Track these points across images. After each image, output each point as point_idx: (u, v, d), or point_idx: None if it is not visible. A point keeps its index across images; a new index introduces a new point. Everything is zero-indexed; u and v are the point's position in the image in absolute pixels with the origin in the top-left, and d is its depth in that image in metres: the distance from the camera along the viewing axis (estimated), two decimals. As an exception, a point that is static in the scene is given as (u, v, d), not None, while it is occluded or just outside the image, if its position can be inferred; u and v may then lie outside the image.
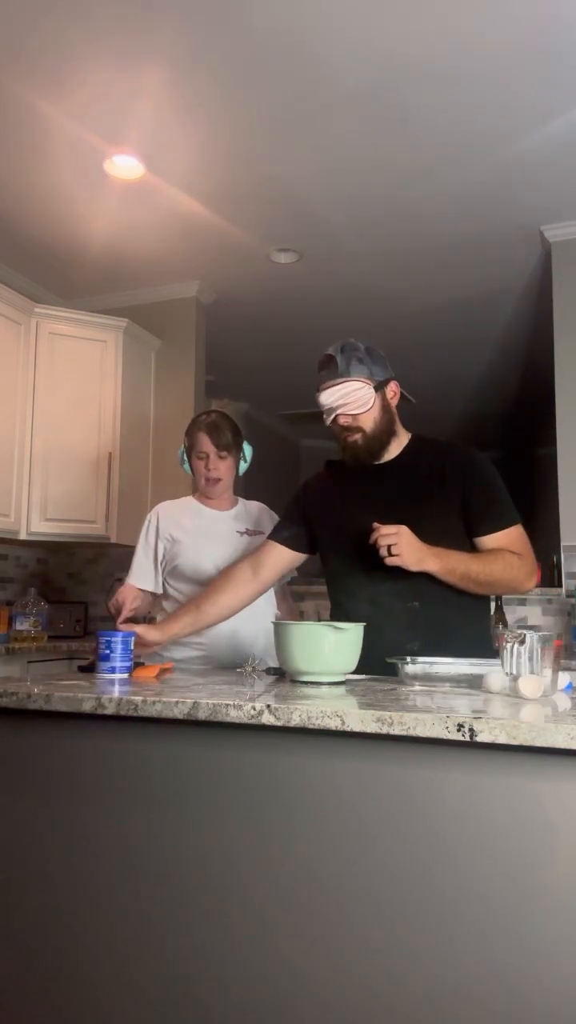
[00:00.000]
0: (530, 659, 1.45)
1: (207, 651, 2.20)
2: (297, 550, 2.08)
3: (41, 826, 1.45)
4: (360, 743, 1.25)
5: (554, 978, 1.12)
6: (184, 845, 1.34)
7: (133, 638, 1.75)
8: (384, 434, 1.95)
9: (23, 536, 3.83)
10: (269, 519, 2.41)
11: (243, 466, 2.38)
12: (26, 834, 1.46)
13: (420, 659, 1.72)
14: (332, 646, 1.63)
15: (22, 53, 2.62)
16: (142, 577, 2.31)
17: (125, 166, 3.25)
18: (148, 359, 4.49)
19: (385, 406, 1.95)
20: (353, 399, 1.91)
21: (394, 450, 2.00)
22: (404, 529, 1.78)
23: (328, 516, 2.03)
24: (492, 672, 1.54)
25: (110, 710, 1.37)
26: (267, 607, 2.31)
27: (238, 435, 2.33)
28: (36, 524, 3.85)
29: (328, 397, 1.94)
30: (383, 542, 1.77)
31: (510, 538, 1.90)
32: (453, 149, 3.12)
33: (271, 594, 2.34)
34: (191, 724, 1.36)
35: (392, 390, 1.98)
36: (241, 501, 2.43)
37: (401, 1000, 1.19)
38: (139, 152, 3.16)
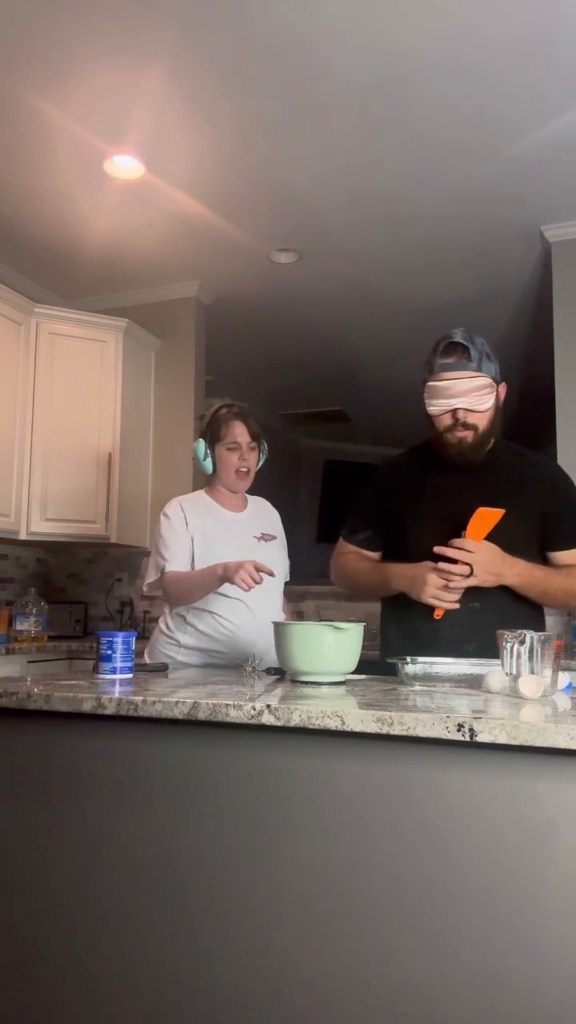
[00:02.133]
0: (530, 659, 1.45)
1: (222, 658, 2.19)
2: (374, 550, 2.06)
3: (41, 826, 1.45)
4: (360, 743, 1.25)
5: (555, 978, 1.12)
6: (184, 845, 1.34)
7: (134, 638, 1.75)
8: (491, 436, 1.92)
9: (23, 536, 3.83)
10: (276, 516, 2.41)
11: (262, 460, 2.34)
12: (26, 834, 1.46)
13: (420, 659, 1.72)
14: (332, 646, 1.63)
15: (23, 54, 2.62)
16: (185, 561, 2.18)
17: (125, 166, 3.25)
18: (148, 359, 4.49)
19: (498, 407, 1.92)
20: (480, 396, 1.84)
21: (484, 453, 1.96)
22: (483, 548, 1.76)
23: (401, 507, 1.98)
24: (492, 672, 1.54)
25: (110, 710, 1.37)
26: (280, 611, 2.30)
27: (260, 426, 2.32)
28: (36, 524, 3.85)
29: (454, 387, 1.84)
30: (464, 558, 1.75)
31: None
32: (453, 149, 3.12)
33: (282, 597, 2.34)
34: (191, 724, 1.36)
35: (501, 392, 1.93)
36: (250, 499, 2.39)
37: (401, 1000, 1.19)
38: (139, 152, 3.16)
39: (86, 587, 4.52)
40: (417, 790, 1.21)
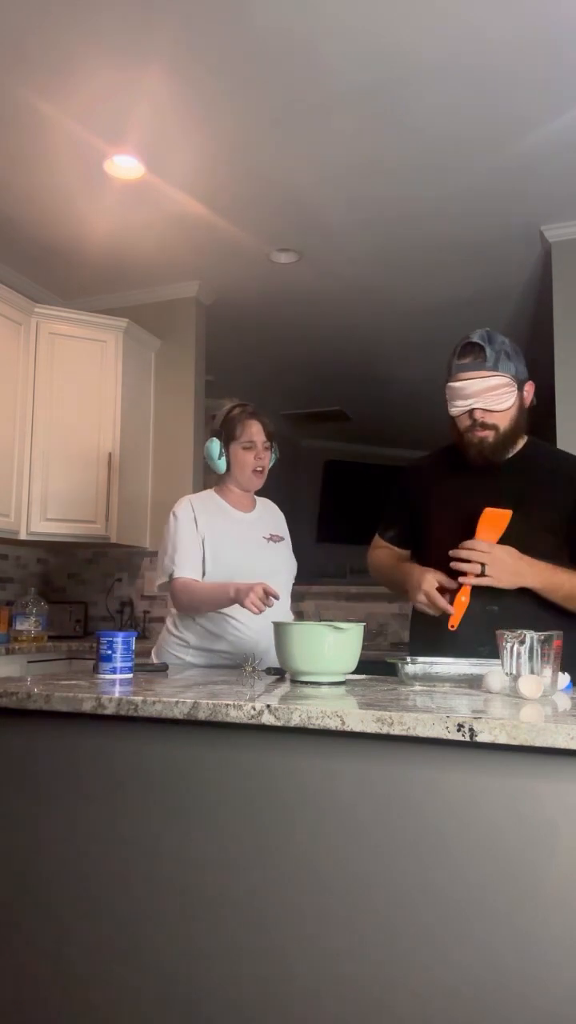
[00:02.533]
0: (530, 659, 1.45)
1: (231, 660, 2.18)
2: (404, 547, 2.06)
3: (41, 826, 1.45)
4: (360, 743, 1.25)
5: (554, 977, 1.12)
6: (184, 844, 1.34)
7: (134, 638, 1.75)
8: (514, 436, 1.89)
9: (23, 536, 3.83)
10: (282, 517, 2.43)
11: (274, 460, 2.33)
12: (26, 834, 1.46)
13: (420, 659, 1.71)
14: (332, 646, 1.63)
15: (23, 54, 2.62)
16: (196, 568, 2.17)
17: (125, 166, 3.25)
18: (148, 359, 4.49)
19: (521, 406, 1.88)
20: (496, 395, 1.82)
21: (510, 452, 1.93)
22: (497, 548, 1.74)
23: (423, 507, 1.98)
24: (492, 672, 1.54)
25: (110, 710, 1.37)
26: (290, 612, 2.31)
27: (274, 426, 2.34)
28: (36, 524, 3.85)
29: (469, 387, 1.83)
30: (477, 558, 1.74)
31: None
32: (453, 149, 3.12)
33: (288, 596, 2.34)
34: (191, 724, 1.36)
35: (528, 390, 1.89)
36: (258, 500, 2.39)
37: (401, 1000, 1.19)
38: (139, 152, 3.16)
39: (86, 587, 4.52)
40: (417, 790, 1.21)
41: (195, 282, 4.41)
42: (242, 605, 1.95)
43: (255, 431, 2.24)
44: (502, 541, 1.79)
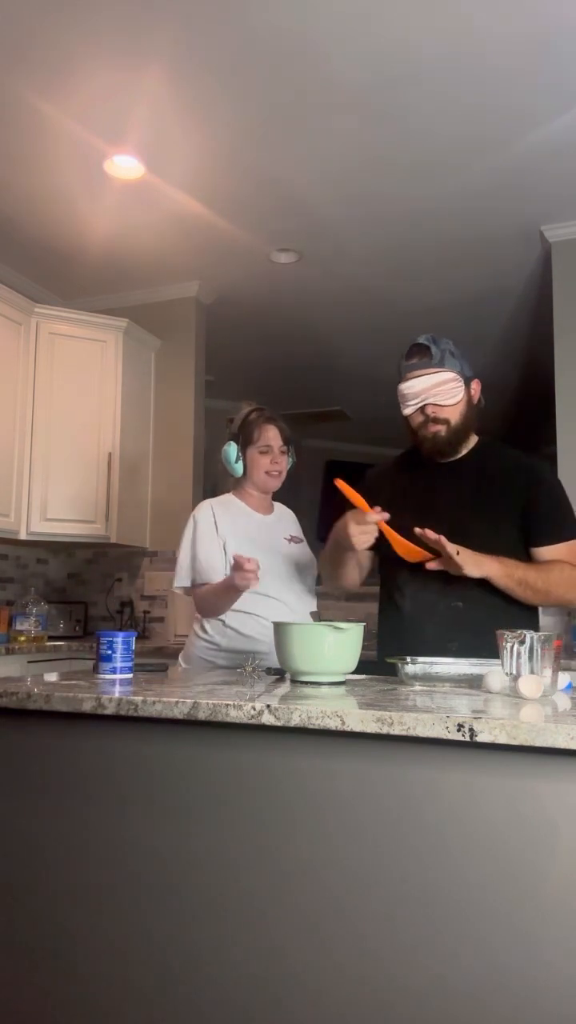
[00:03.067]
0: (530, 659, 1.45)
1: (225, 659, 2.19)
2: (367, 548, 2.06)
3: (41, 826, 1.45)
4: (360, 743, 1.25)
5: (554, 977, 1.12)
6: (184, 845, 1.34)
7: (134, 638, 1.75)
8: (465, 431, 1.97)
9: (23, 536, 3.83)
10: (297, 521, 2.46)
11: (291, 463, 2.35)
12: (26, 834, 1.46)
13: (420, 659, 1.72)
14: (332, 646, 1.63)
15: (23, 54, 2.62)
16: (216, 572, 2.17)
17: (125, 166, 3.25)
18: (148, 359, 4.49)
19: (470, 403, 1.96)
20: (444, 390, 1.91)
21: (463, 449, 2.01)
22: (462, 548, 1.78)
23: (390, 505, 1.99)
24: (492, 672, 1.54)
25: (110, 710, 1.37)
26: (313, 608, 2.32)
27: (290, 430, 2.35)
28: (36, 524, 3.85)
29: (417, 385, 1.92)
30: (448, 547, 1.76)
31: (570, 551, 1.90)
32: (453, 149, 3.12)
33: (314, 594, 2.35)
34: (191, 724, 1.36)
35: (475, 388, 1.98)
36: (276, 504, 2.41)
37: (401, 1000, 1.19)
38: (139, 152, 3.16)
39: (86, 587, 4.52)
40: (417, 790, 1.21)
41: (195, 282, 4.41)
42: (237, 586, 2.00)
43: (271, 436, 2.27)
44: (457, 539, 1.82)
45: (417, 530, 1.79)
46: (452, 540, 1.81)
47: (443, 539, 1.77)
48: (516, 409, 6.81)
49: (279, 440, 2.28)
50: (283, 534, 2.33)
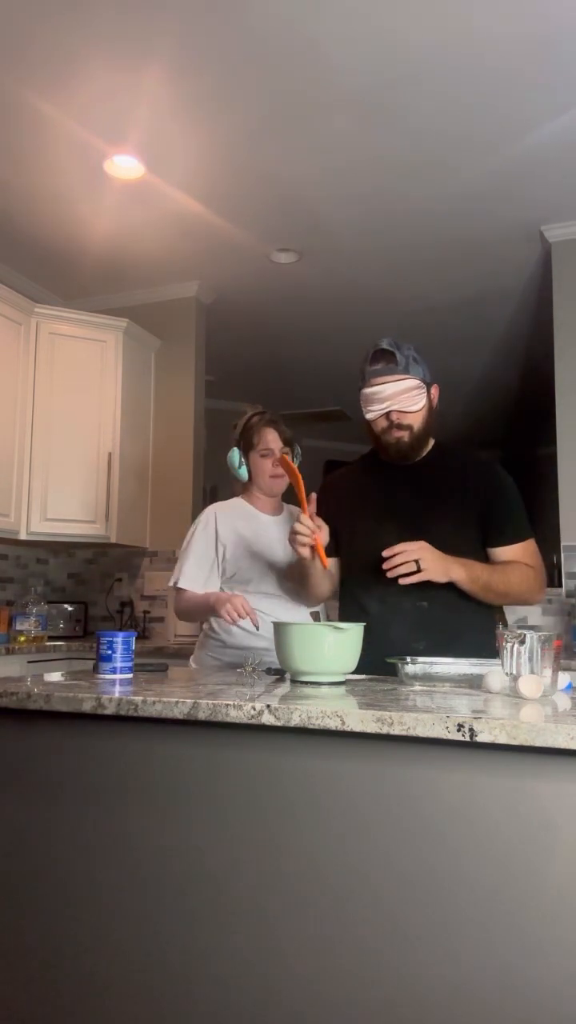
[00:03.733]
0: (530, 659, 1.45)
1: (232, 656, 2.23)
2: (328, 555, 2.07)
3: (41, 826, 1.45)
4: (360, 743, 1.25)
5: (555, 977, 1.12)
6: (184, 844, 1.34)
7: (134, 638, 1.75)
8: (426, 436, 1.99)
9: (23, 536, 3.83)
10: None
11: (296, 463, 2.34)
12: (26, 834, 1.46)
13: (420, 659, 1.72)
14: (332, 646, 1.63)
15: (23, 54, 2.62)
16: (198, 580, 2.26)
17: (125, 166, 3.25)
18: (148, 359, 4.49)
19: (430, 408, 1.99)
20: (409, 397, 1.93)
21: (422, 452, 2.03)
22: (424, 544, 1.81)
23: (349, 512, 2.05)
24: (492, 672, 1.54)
25: (110, 710, 1.37)
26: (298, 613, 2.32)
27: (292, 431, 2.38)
28: (36, 524, 3.85)
29: (384, 391, 1.93)
30: (410, 558, 1.78)
31: (525, 551, 1.95)
32: (453, 149, 3.12)
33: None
34: (191, 724, 1.36)
35: (434, 393, 2.00)
36: (285, 505, 2.43)
37: (401, 999, 1.19)
38: (139, 152, 3.16)
39: (86, 587, 4.52)
40: (417, 790, 1.21)
41: (195, 282, 4.41)
42: (217, 614, 2.11)
43: (271, 439, 2.30)
44: (418, 540, 1.84)
45: (385, 553, 1.80)
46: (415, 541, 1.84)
47: (405, 551, 1.78)
48: (516, 409, 6.81)
49: (279, 442, 2.31)
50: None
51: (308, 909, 1.25)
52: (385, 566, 1.80)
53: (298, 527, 1.87)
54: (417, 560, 1.78)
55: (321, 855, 1.26)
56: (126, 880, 1.37)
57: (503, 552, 1.94)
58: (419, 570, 1.79)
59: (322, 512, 2.06)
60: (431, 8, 2.40)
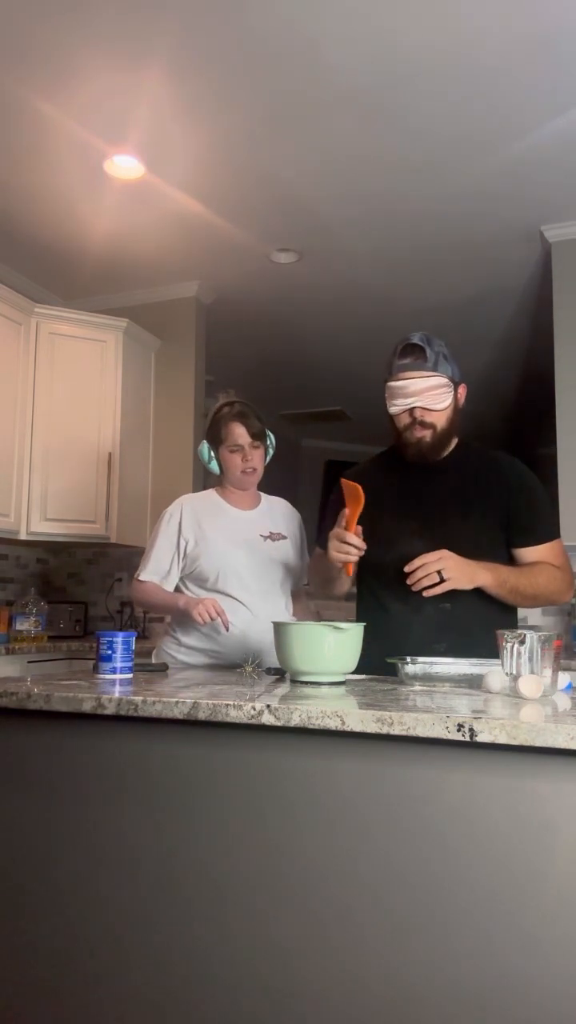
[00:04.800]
0: (530, 659, 1.45)
1: (221, 659, 2.19)
2: None
3: (41, 826, 1.45)
4: (360, 743, 1.25)
5: (554, 977, 1.12)
6: (184, 845, 1.34)
7: (134, 638, 1.75)
8: (449, 435, 1.96)
9: (23, 536, 3.83)
10: (293, 517, 2.40)
11: (270, 454, 2.32)
12: (27, 833, 1.46)
13: (420, 659, 1.71)
14: (332, 646, 1.63)
15: (23, 54, 2.62)
16: (159, 574, 2.22)
17: (125, 166, 3.25)
18: (148, 359, 4.49)
19: (456, 407, 1.95)
20: (435, 395, 1.88)
21: (444, 452, 2.00)
22: (445, 552, 1.78)
23: (367, 511, 1.99)
24: (492, 672, 1.54)
25: (110, 710, 1.37)
26: (285, 611, 2.30)
27: (263, 422, 2.28)
28: (36, 524, 3.85)
29: (410, 387, 1.88)
30: (432, 569, 1.76)
31: (552, 551, 1.92)
32: (453, 149, 3.12)
33: (291, 602, 2.33)
34: (191, 724, 1.36)
35: (461, 393, 1.97)
36: (264, 497, 2.37)
37: (401, 999, 1.19)
38: (139, 152, 3.16)
39: (86, 587, 4.52)
40: (417, 790, 1.21)
41: (195, 282, 4.41)
42: (190, 617, 2.08)
43: (239, 434, 2.21)
44: (441, 541, 1.82)
45: (406, 568, 1.78)
46: (436, 543, 1.81)
47: (426, 562, 1.76)
48: (516, 409, 6.81)
49: (247, 437, 2.22)
50: (260, 530, 2.27)
51: (308, 909, 1.25)
52: (408, 581, 1.78)
53: (351, 540, 1.82)
54: (440, 571, 1.75)
55: (321, 855, 1.26)
56: (126, 880, 1.37)
57: (529, 553, 1.91)
58: (443, 580, 1.76)
59: (340, 509, 2.05)
60: (431, 8, 2.40)
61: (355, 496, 1.81)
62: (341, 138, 3.05)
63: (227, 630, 2.11)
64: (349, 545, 1.82)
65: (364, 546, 1.83)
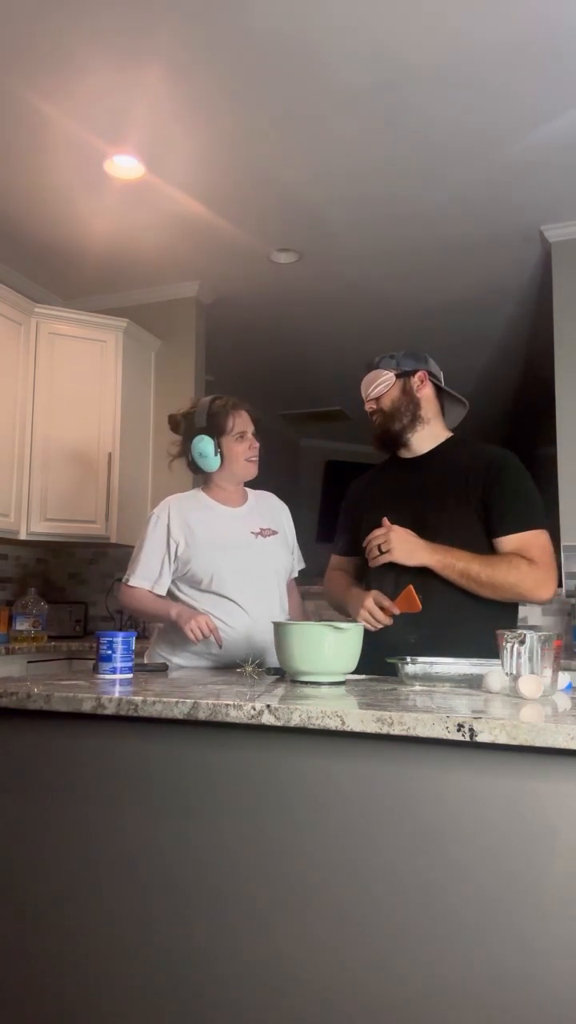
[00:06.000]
0: (530, 659, 1.45)
1: (217, 661, 2.17)
2: (353, 555, 2.18)
3: (41, 826, 1.45)
4: (360, 743, 1.25)
5: (554, 977, 1.12)
6: (184, 845, 1.34)
7: (134, 638, 1.75)
8: (402, 414, 2.07)
9: (23, 536, 3.83)
10: (282, 510, 2.39)
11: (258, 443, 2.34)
12: (26, 833, 1.46)
13: (420, 659, 1.72)
14: (332, 646, 1.63)
15: (23, 53, 2.62)
16: (149, 578, 2.20)
17: (125, 166, 3.25)
18: (148, 359, 4.49)
19: (407, 391, 2.08)
20: (376, 385, 2.10)
21: (427, 444, 2.08)
22: (396, 528, 1.89)
23: (364, 511, 2.12)
24: (492, 672, 1.54)
25: (110, 710, 1.37)
26: (281, 612, 2.29)
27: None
28: (36, 524, 3.85)
29: (363, 390, 2.15)
30: (373, 543, 1.90)
31: (528, 543, 1.87)
32: (453, 149, 3.12)
33: (285, 598, 2.31)
34: (191, 724, 1.36)
35: (420, 378, 2.09)
36: (252, 494, 2.35)
37: (401, 999, 1.19)
38: (139, 152, 3.16)
39: (86, 587, 4.52)
40: (417, 790, 1.21)
41: (195, 282, 4.41)
42: (181, 629, 2.08)
43: (245, 421, 2.25)
44: (419, 531, 1.92)
45: (366, 540, 1.94)
46: (417, 533, 1.90)
47: (375, 535, 1.91)
48: (516, 409, 6.81)
49: (251, 424, 2.26)
50: (251, 527, 2.25)
51: (308, 909, 1.25)
52: (364, 544, 1.93)
53: (382, 622, 1.89)
54: (381, 543, 1.88)
55: (321, 855, 1.26)
56: (126, 880, 1.37)
57: (503, 542, 1.89)
58: (382, 553, 1.88)
59: (349, 515, 2.21)
60: (430, 11, 2.40)
61: (411, 605, 1.84)
62: (341, 138, 3.05)
63: (220, 647, 2.10)
64: (376, 621, 1.90)
65: (390, 623, 1.90)
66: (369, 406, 2.13)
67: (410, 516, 1.95)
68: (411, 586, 1.84)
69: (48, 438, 3.91)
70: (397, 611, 1.86)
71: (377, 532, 1.91)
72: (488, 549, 1.91)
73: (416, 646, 1.85)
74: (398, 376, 2.09)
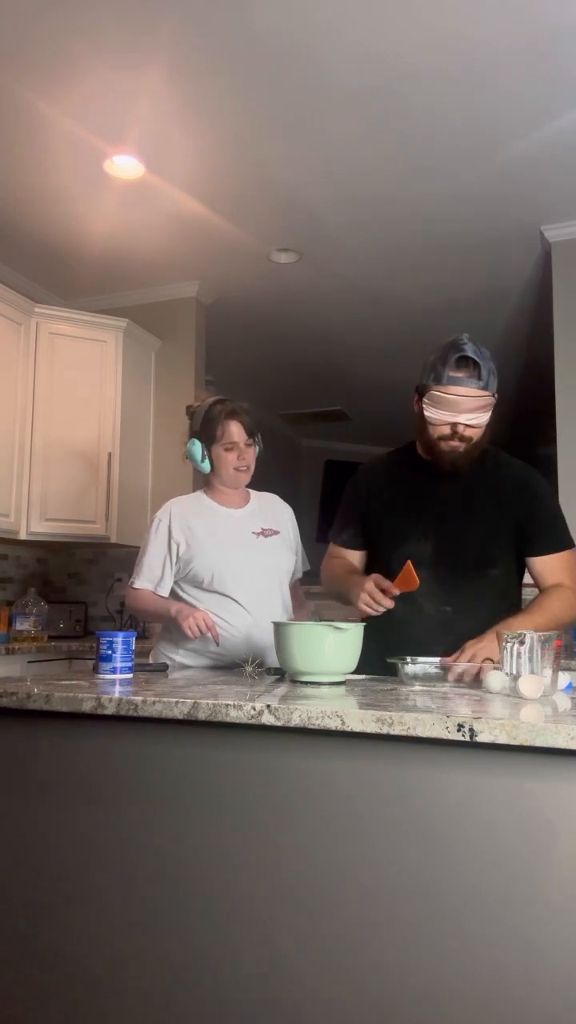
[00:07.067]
0: (530, 659, 1.45)
1: (219, 659, 2.18)
2: (357, 548, 2.12)
3: (41, 826, 1.45)
4: (360, 743, 1.25)
5: (553, 978, 1.12)
6: (184, 845, 1.34)
7: (134, 638, 1.75)
8: (481, 448, 1.96)
9: (23, 536, 3.83)
10: (284, 510, 2.39)
11: (258, 452, 2.31)
12: (26, 833, 1.46)
13: (420, 659, 1.72)
14: (332, 646, 1.63)
15: (22, 53, 2.62)
16: (153, 580, 2.22)
17: (125, 166, 3.25)
18: (148, 359, 4.49)
19: (490, 421, 1.95)
20: (482, 412, 1.88)
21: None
22: (484, 641, 1.75)
23: (380, 508, 2.04)
24: (492, 672, 1.54)
25: (110, 710, 1.37)
26: (284, 612, 2.29)
27: (254, 419, 2.29)
28: (36, 524, 3.85)
29: (463, 404, 1.86)
30: (480, 661, 1.73)
31: (562, 562, 1.92)
32: (453, 149, 3.12)
33: (288, 598, 2.32)
34: (191, 724, 1.36)
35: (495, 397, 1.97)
36: (253, 494, 2.36)
37: (401, 1000, 1.19)
38: (139, 152, 3.16)
39: (86, 587, 4.52)
40: (417, 790, 1.21)
41: (195, 282, 4.41)
42: (180, 627, 2.08)
43: (235, 431, 2.21)
44: (452, 545, 1.86)
45: (451, 661, 1.73)
46: (446, 546, 1.86)
47: (475, 654, 1.73)
48: (516, 409, 6.81)
49: (243, 435, 2.22)
50: (252, 528, 2.26)
51: (306, 909, 1.25)
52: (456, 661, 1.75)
53: (384, 605, 1.82)
54: (489, 658, 1.73)
55: (320, 855, 1.25)
56: (126, 880, 1.37)
57: (539, 562, 1.93)
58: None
59: (355, 506, 2.09)
60: (430, 11, 2.40)
61: (409, 582, 1.81)
62: (341, 138, 3.05)
63: (217, 645, 2.11)
64: (378, 604, 1.83)
65: (392, 606, 1.83)
66: (463, 429, 1.88)
67: (438, 527, 1.92)
68: (409, 562, 1.81)
69: (48, 438, 3.91)
70: (397, 591, 1.81)
71: (476, 650, 1.73)
72: (513, 563, 1.94)
73: (444, 656, 1.78)
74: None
